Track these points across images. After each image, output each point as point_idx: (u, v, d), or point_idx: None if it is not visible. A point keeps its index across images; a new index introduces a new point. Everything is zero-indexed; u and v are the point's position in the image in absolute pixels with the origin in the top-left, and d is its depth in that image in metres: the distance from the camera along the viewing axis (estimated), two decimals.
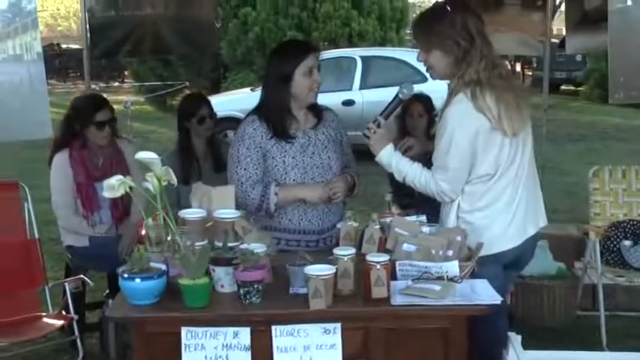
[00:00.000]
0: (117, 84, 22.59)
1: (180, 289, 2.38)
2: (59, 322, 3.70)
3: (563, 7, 7.18)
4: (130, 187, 2.44)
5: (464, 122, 2.69)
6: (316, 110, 3.19)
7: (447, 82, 2.83)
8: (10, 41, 3.05)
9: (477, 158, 2.72)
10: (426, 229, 2.70)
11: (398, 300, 2.38)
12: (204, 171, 4.29)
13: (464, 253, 2.61)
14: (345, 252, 2.47)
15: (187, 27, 5.57)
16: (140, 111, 15.03)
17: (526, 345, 2.72)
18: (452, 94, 2.75)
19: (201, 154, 4.36)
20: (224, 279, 2.48)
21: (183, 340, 2.33)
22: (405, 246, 2.60)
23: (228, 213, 2.68)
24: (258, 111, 3.12)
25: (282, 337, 2.32)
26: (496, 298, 2.41)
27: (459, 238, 2.61)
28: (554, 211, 6.42)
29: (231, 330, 2.33)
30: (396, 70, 10.45)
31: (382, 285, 2.37)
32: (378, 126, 2.86)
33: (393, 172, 2.88)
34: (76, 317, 3.68)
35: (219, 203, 2.75)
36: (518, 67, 21.51)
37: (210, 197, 2.79)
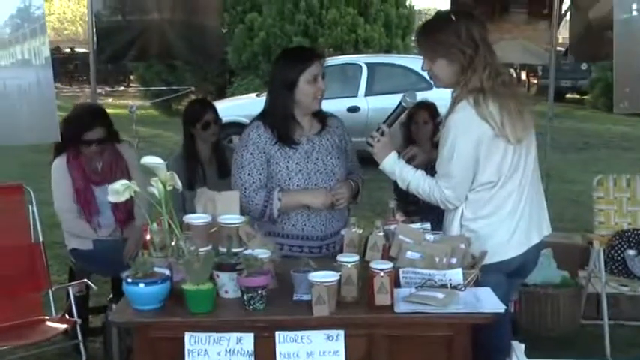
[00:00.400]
0: (123, 88, 22.68)
1: (184, 294, 2.39)
2: (63, 326, 3.70)
3: (568, 16, 7.19)
4: (135, 192, 2.44)
5: (467, 130, 2.70)
6: (321, 116, 3.20)
7: (452, 89, 2.83)
8: (19, 46, 3.06)
9: (480, 166, 2.73)
10: (429, 236, 2.70)
11: (401, 307, 2.38)
12: (209, 176, 4.29)
13: (467, 260, 2.61)
14: (349, 259, 2.47)
15: (193, 32, 5.59)
16: (145, 115, 15.06)
17: (529, 354, 2.71)
18: (455, 101, 2.75)
19: (206, 159, 4.37)
20: (228, 284, 2.48)
21: (187, 346, 2.33)
22: (409, 253, 2.61)
23: (232, 218, 2.69)
24: (263, 117, 3.13)
25: (285, 343, 2.32)
26: (499, 307, 2.40)
27: (462, 246, 2.61)
28: (559, 220, 6.41)
29: (234, 335, 2.33)
30: (402, 77, 10.46)
31: (386, 292, 2.37)
32: (382, 134, 2.86)
33: (397, 180, 2.88)
34: (79, 321, 3.69)
35: (224, 209, 2.76)
36: (523, 75, 21.51)
37: (215, 203, 2.79)
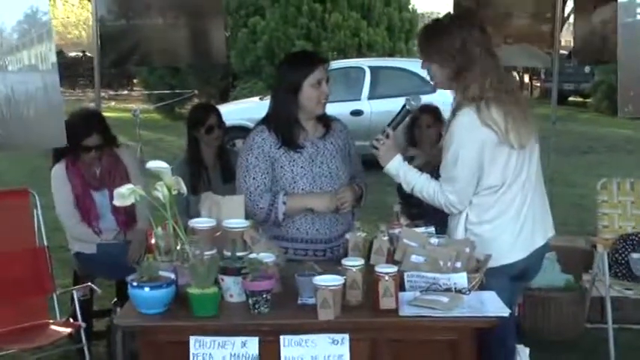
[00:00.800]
0: (126, 92, 22.71)
1: (189, 298, 2.39)
2: (67, 330, 3.70)
3: (571, 19, 7.18)
4: (140, 196, 2.45)
5: (470, 135, 2.70)
6: (325, 120, 3.20)
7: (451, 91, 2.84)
8: (26, 51, 3.07)
9: (484, 170, 2.73)
10: (434, 240, 2.70)
11: (406, 311, 2.38)
12: (213, 180, 4.30)
13: (472, 264, 2.61)
14: (353, 263, 2.47)
15: (197, 36, 5.60)
16: (149, 119, 15.09)
17: (533, 357, 2.72)
18: (457, 108, 2.76)
19: (210, 163, 4.37)
20: (233, 288, 2.48)
21: (192, 350, 2.33)
22: (414, 257, 2.61)
23: (237, 222, 2.69)
24: (267, 121, 3.13)
25: (290, 347, 2.32)
26: (504, 310, 2.40)
27: (467, 250, 2.61)
28: (563, 224, 6.40)
29: (239, 339, 2.33)
30: (405, 81, 10.46)
31: (390, 296, 2.37)
32: (387, 137, 2.87)
33: (402, 183, 2.89)
34: (83, 325, 3.69)
35: (229, 213, 2.76)
36: (526, 79, 21.52)
37: (220, 207, 2.80)
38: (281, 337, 2.33)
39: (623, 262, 4.40)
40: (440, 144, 2.84)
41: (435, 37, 2.81)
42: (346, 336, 2.33)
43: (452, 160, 2.73)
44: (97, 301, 4.30)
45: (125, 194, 2.43)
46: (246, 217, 2.85)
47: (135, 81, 22.08)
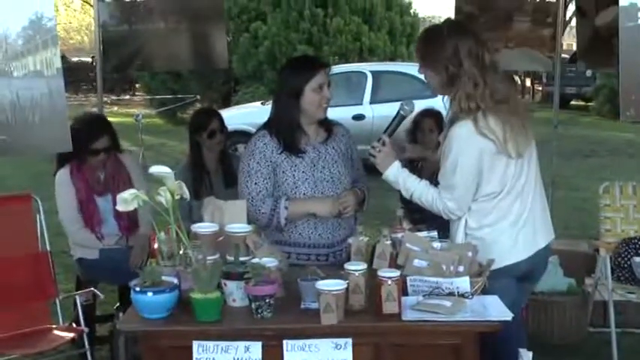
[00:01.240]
0: (128, 97, 22.74)
1: (192, 303, 2.39)
2: (70, 335, 3.70)
3: (573, 23, 7.18)
4: (144, 201, 2.45)
5: (468, 144, 2.72)
6: (327, 125, 3.21)
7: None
8: (31, 57, 3.09)
9: (483, 178, 2.75)
10: (436, 244, 2.70)
11: (409, 315, 2.38)
12: (215, 185, 4.30)
13: (475, 268, 2.61)
14: (356, 267, 2.47)
15: (199, 41, 5.61)
16: (151, 124, 15.10)
17: None
18: (454, 119, 2.77)
19: (213, 168, 4.38)
20: (236, 293, 2.48)
21: (195, 354, 2.33)
22: (416, 261, 2.61)
23: (239, 227, 2.69)
24: (269, 126, 3.14)
25: (293, 351, 2.32)
26: (507, 315, 2.40)
27: (469, 254, 2.61)
28: (565, 227, 6.41)
29: (242, 344, 2.33)
30: (407, 85, 10.47)
31: (393, 300, 2.37)
32: (383, 144, 2.88)
33: (401, 189, 2.90)
34: (86, 330, 3.69)
35: (231, 218, 2.76)
36: (528, 83, 21.53)
37: (222, 211, 2.80)
38: (284, 341, 2.33)
39: (625, 265, 4.40)
40: (439, 152, 2.85)
41: (428, 43, 2.86)
42: (349, 340, 2.33)
43: (451, 168, 2.75)
44: (100, 306, 4.30)
45: (128, 199, 2.43)
46: (249, 222, 2.85)
47: (137, 86, 22.11)
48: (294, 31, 14.78)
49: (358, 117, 10.35)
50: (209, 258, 2.48)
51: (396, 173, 2.88)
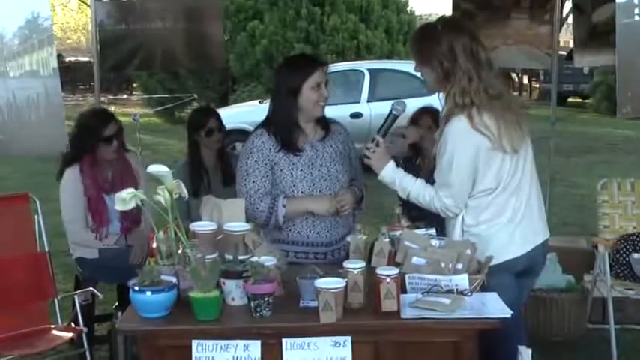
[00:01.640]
0: (125, 96, 22.71)
1: (191, 302, 2.39)
2: (68, 335, 3.70)
3: (570, 20, 7.18)
4: (142, 201, 2.45)
5: (463, 141, 2.72)
6: (324, 123, 3.21)
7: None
8: (27, 57, 3.09)
9: (479, 174, 2.75)
10: (435, 242, 2.70)
11: (408, 313, 2.38)
12: (214, 184, 4.30)
13: (473, 266, 2.61)
14: (355, 265, 2.47)
15: (196, 40, 5.61)
16: (148, 123, 15.09)
17: (536, 358, 2.71)
18: (449, 115, 2.77)
19: (211, 167, 4.38)
20: (234, 292, 2.48)
21: (194, 353, 2.33)
22: (415, 259, 2.61)
23: (238, 226, 2.69)
24: (266, 124, 3.14)
25: (292, 350, 2.33)
26: (506, 312, 2.40)
27: (468, 251, 2.61)
28: (563, 224, 6.42)
29: (241, 343, 2.33)
30: (404, 83, 10.46)
31: (392, 298, 2.37)
32: (377, 145, 2.88)
33: (397, 189, 2.90)
34: (85, 330, 3.69)
35: (230, 216, 2.77)
36: (525, 80, 21.54)
37: (221, 210, 2.80)
38: (283, 340, 2.33)
39: (624, 262, 4.41)
40: (434, 150, 2.86)
41: (423, 41, 2.87)
42: (348, 338, 2.34)
43: (446, 166, 2.75)
44: (99, 305, 4.30)
45: (126, 199, 2.43)
46: (247, 221, 2.85)
47: (134, 85, 22.09)
48: (292, 30, 14.78)
49: (356, 115, 10.35)
50: (208, 257, 2.48)
51: (391, 174, 2.88)
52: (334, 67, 9.75)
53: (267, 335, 2.35)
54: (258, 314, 2.39)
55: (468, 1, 5.57)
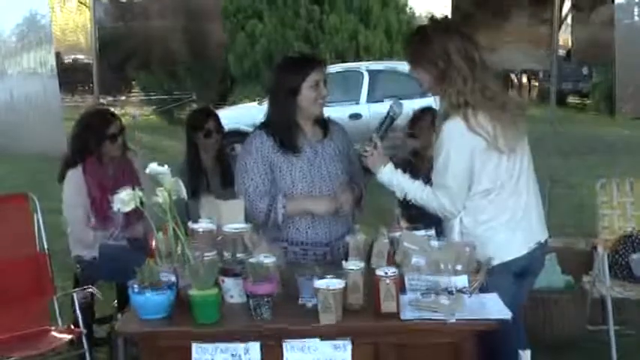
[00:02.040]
0: (124, 97, 22.67)
1: (191, 303, 2.39)
2: (68, 336, 3.70)
3: (569, 20, 7.19)
4: (142, 202, 2.45)
5: (459, 142, 2.73)
6: (323, 123, 3.21)
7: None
8: (25, 55, 3.09)
9: (476, 175, 2.76)
10: (434, 243, 2.70)
11: (407, 314, 2.38)
12: (212, 185, 4.30)
13: (473, 266, 2.60)
14: (354, 265, 2.47)
15: (195, 37, 5.62)
16: (147, 123, 15.10)
17: (535, 359, 2.71)
18: (444, 116, 2.78)
19: (210, 168, 4.37)
20: (233, 290, 2.48)
21: (193, 355, 2.33)
22: (414, 260, 2.60)
23: (237, 226, 2.69)
24: (265, 125, 3.14)
25: (292, 352, 2.32)
26: (505, 313, 2.40)
27: (467, 252, 2.61)
28: (562, 225, 6.39)
29: (241, 345, 2.33)
30: (403, 84, 10.39)
31: (392, 299, 2.37)
32: (375, 146, 2.88)
33: (395, 190, 2.91)
34: (84, 331, 3.69)
35: (229, 217, 2.76)
36: (524, 79, 21.53)
37: (220, 211, 2.80)
38: (283, 342, 2.33)
39: (623, 263, 4.40)
40: (431, 151, 2.86)
41: (417, 43, 2.88)
42: (348, 341, 2.33)
43: (443, 167, 2.76)
44: (98, 305, 4.29)
45: (125, 199, 2.43)
46: (247, 220, 2.85)
47: (133, 82, 22.06)
48: (291, 30, 14.78)
49: (355, 116, 10.35)
50: (206, 255, 2.47)
51: (389, 175, 2.89)
52: (333, 67, 9.75)
53: (267, 337, 2.35)
54: (258, 317, 2.38)
55: (467, 1, 5.57)
